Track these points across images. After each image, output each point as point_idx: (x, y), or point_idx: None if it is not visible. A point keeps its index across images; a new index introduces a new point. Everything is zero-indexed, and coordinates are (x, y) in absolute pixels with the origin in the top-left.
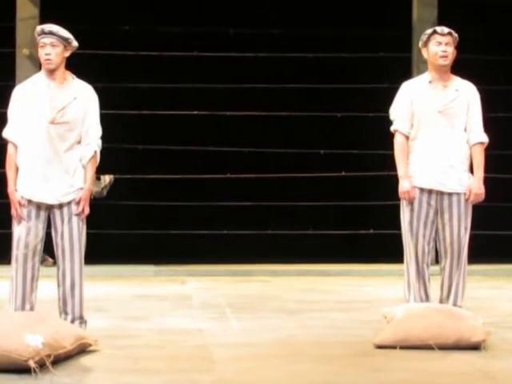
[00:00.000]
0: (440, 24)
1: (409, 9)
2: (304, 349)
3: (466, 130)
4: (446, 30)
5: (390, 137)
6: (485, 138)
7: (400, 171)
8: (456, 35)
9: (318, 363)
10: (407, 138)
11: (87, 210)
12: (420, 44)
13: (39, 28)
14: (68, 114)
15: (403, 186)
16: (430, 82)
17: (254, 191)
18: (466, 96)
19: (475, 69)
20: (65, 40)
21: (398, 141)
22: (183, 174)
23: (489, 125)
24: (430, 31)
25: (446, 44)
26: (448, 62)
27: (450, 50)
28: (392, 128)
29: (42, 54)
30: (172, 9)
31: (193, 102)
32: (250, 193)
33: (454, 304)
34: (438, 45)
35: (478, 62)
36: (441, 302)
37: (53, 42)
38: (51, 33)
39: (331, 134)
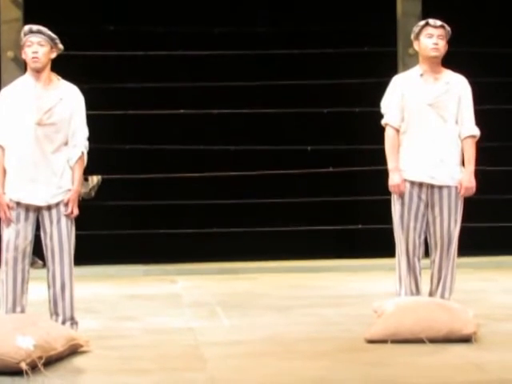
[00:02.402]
0: (424, 18)
1: (393, 3)
2: (295, 345)
3: (457, 122)
4: (438, 22)
5: (378, 131)
6: (476, 131)
7: (390, 164)
8: (449, 29)
9: (309, 359)
10: (398, 131)
11: (76, 211)
12: (412, 36)
13: (27, 27)
14: (55, 116)
15: (393, 179)
16: (421, 75)
17: (242, 189)
18: (456, 89)
19: (461, 62)
20: (52, 40)
21: (389, 134)
22: (170, 173)
23: (480, 118)
24: (422, 23)
25: (438, 36)
26: (439, 53)
27: (442, 43)
28: (383, 121)
29: (28, 52)
30: (156, 8)
31: (179, 100)
32: (238, 191)
33: (442, 296)
34: (430, 37)
35: (463, 54)
36: (430, 295)
37: (40, 41)
38: (39, 32)
39: (318, 130)
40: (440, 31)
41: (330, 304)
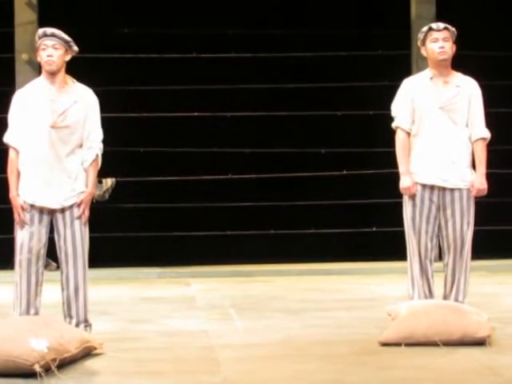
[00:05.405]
0: (438, 21)
1: (407, 6)
2: (309, 348)
3: (467, 125)
4: (441, 25)
5: (391, 134)
6: (487, 134)
7: (401, 168)
8: (453, 29)
9: (323, 362)
10: (408, 134)
11: (87, 213)
12: (418, 43)
13: (41, 31)
14: (69, 118)
15: (404, 182)
16: (430, 78)
17: (256, 191)
18: (467, 92)
19: (475, 65)
20: (66, 43)
21: (400, 137)
22: (185, 176)
23: (490, 120)
24: (425, 29)
25: (444, 39)
26: (447, 56)
27: (448, 45)
28: (393, 125)
29: (43, 55)
30: (170, 10)
31: (193, 103)
32: (252, 193)
33: (456, 299)
34: (435, 41)
35: (478, 58)
36: (444, 298)
37: (55, 44)
38: (53, 35)
39: (332, 133)
40: (444, 34)
41: (343, 307)
